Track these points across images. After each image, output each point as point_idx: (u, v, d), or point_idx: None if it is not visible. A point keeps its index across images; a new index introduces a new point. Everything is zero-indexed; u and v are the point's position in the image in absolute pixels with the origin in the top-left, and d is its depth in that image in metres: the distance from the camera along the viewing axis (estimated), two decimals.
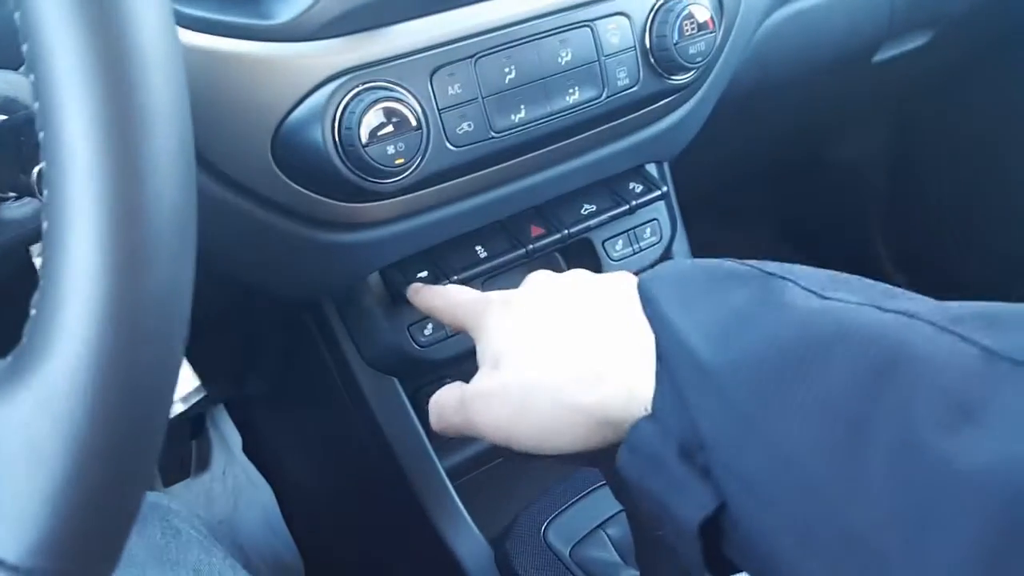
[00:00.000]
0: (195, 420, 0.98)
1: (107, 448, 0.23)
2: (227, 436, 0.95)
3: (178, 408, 0.50)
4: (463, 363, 0.65)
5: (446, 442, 0.70)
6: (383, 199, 0.52)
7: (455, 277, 0.59)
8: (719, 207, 1.29)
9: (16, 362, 0.23)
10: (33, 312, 0.24)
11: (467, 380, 0.69)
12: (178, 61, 0.24)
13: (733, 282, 0.33)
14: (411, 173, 0.50)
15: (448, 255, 0.60)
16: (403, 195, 0.53)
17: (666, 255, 0.70)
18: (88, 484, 0.22)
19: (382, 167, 0.48)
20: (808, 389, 0.28)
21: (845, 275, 0.33)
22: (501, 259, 0.61)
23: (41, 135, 0.24)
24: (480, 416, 0.39)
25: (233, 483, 0.95)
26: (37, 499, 0.22)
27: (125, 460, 0.23)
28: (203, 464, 0.99)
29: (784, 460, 0.28)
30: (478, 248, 0.61)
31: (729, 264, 0.34)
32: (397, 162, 0.49)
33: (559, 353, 0.37)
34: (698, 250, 0.75)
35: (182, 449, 0.99)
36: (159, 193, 0.23)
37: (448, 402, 0.41)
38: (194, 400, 0.51)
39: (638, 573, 0.51)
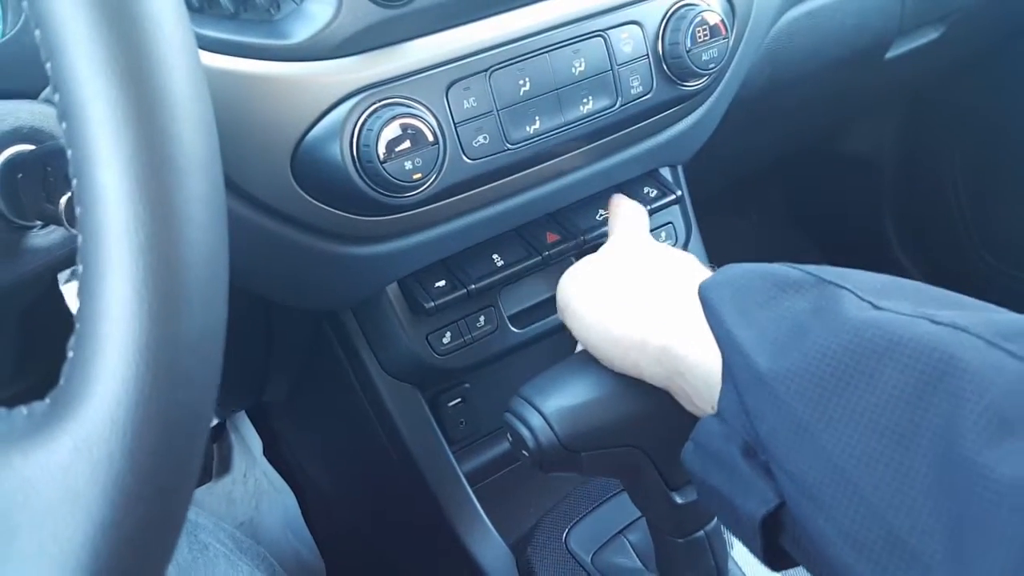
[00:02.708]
0: (216, 423, 0.99)
1: (145, 491, 0.23)
2: (248, 440, 0.96)
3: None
4: (482, 370, 0.66)
5: (465, 447, 0.71)
6: (400, 213, 0.53)
7: (472, 286, 0.60)
8: (732, 200, 1.29)
9: (54, 406, 0.24)
10: (70, 354, 0.24)
11: (486, 388, 0.70)
12: (207, 107, 0.24)
13: (790, 290, 0.34)
14: (428, 187, 0.50)
15: (465, 264, 0.61)
16: (420, 208, 0.53)
17: None
18: (127, 526, 0.23)
19: (400, 182, 0.49)
20: (859, 400, 0.30)
21: (900, 281, 0.34)
22: (518, 267, 0.61)
23: (75, 182, 0.24)
24: (562, 288, 0.48)
25: (255, 486, 0.96)
26: (78, 542, 0.23)
27: (163, 501, 0.24)
28: (224, 467, 1.00)
29: (834, 467, 0.29)
30: (495, 256, 0.61)
31: (786, 270, 0.36)
32: (415, 177, 0.49)
33: (630, 284, 0.44)
34: (713, 244, 0.75)
35: (204, 452, 1.00)
36: (192, 238, 0.24)
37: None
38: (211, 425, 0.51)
39: None
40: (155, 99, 0.23)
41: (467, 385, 0.71)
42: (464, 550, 0.60)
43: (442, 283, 0.60)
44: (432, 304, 0.59)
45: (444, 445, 0.64)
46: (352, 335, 0.62)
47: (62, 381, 0.24)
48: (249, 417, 0.94)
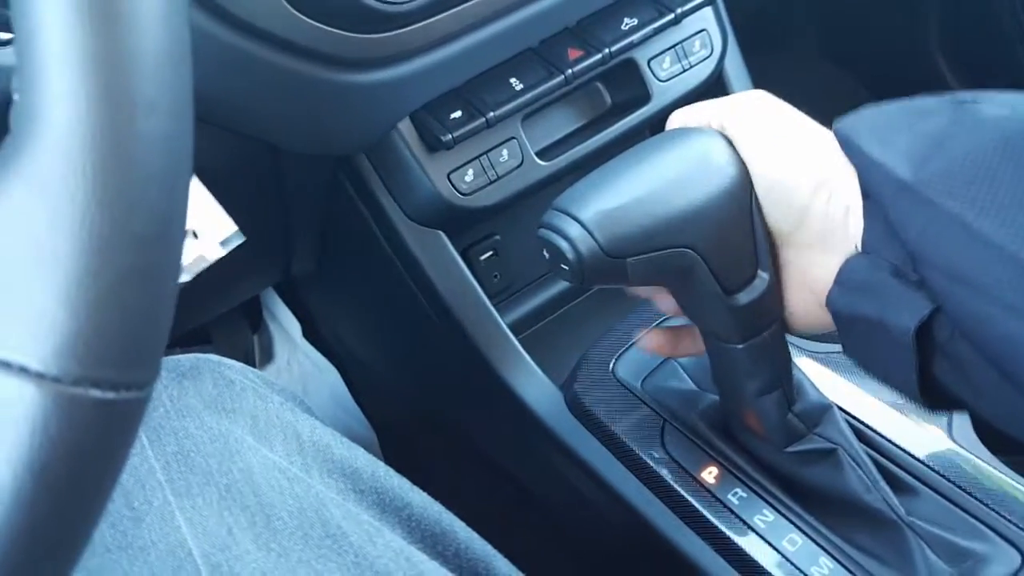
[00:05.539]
0: (253, 314, 0.98)
1: (121, 231, 0.20)
2: (286, 325, 0.94)
3: (218, 253, 0.48)
4: (509, 211, 0.62)
5: (502, 302, 0.67)
6: (400, 25, 0.48)
7: (491, 114, 0.55)
8: (764, 39, 1.20)
9: (3, 153, 0.20)
10: (16, 98, 0.21)
11: (518, 238, 0.66)
12: None
13: (926, 115, 0.35)
14: None
15: (481, 91, 0.56)
16: (421, 20, 0.48)
17: (718, 71, 0.64)
18: (106, 275, 0.19)
19: None
20: (1010, 187, 0.31)
21: None
22: (539, 89, 0.56)
23: None
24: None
25: (299, 370, 0.94)
26: (51, 298, 0.19)
27: (146, 242, 0.20)
28: (267, 357, 0.99)
29: (996, 249, 0.31)
30: (512, 80, 0.56)
31: (921, 100, 0.37)
32: None
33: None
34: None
35: (245, 345, 0.99)
36: None
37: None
38: (235, 244, 0.48)
39: (717, 396, 0.48)
40: None
41: (497, 236, 0.67)
42: (512, 394, 0.58)
43: (458, 114, 0.55)
44: (449, 136, 0.54)
45: (477, 288, 0.60)
46: (368, 179, 0.58)
47: (12, 127, 0.20)
48: (284, 301, 0.92)
